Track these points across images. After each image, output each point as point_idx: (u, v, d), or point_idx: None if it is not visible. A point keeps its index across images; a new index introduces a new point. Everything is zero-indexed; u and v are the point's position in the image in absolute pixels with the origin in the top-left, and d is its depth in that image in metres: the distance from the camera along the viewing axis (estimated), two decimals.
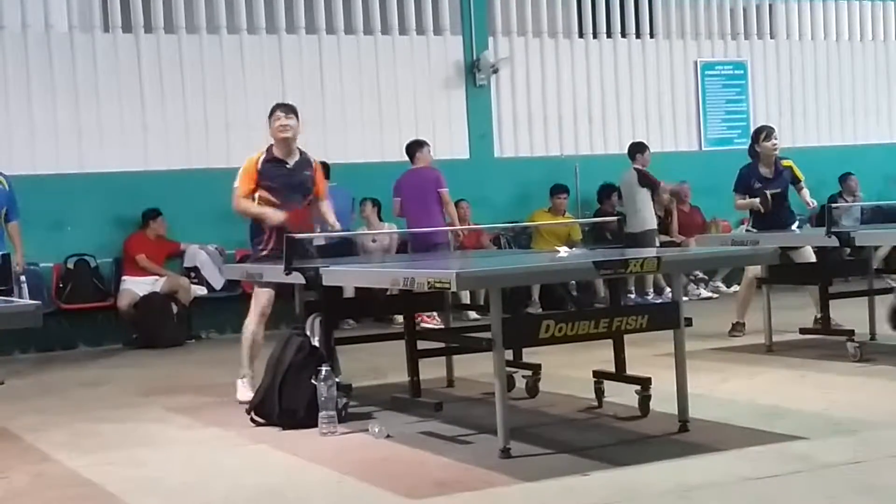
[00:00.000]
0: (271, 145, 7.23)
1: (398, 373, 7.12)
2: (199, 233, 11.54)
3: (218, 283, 11.35)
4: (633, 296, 12.43)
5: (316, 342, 6.45)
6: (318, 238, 8.48)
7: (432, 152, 11.12)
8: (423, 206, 10.67)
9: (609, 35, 13.87)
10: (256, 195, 7.15)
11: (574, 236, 12.35)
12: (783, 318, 8.74)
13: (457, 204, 12.24)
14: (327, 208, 7.47)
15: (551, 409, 6.58)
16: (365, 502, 4.81)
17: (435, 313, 10.15)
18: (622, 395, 6.38)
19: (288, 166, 7.20)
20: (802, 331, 8.49)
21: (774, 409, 5.96)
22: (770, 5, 14.85)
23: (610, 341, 6.28)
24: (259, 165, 7.16)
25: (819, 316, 8.40)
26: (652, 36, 14.09)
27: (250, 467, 5.52)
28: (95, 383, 8.69)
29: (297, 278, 6.36)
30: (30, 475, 5.54)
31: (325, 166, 11.61)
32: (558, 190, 12.64)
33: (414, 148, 11.01)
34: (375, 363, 8.27)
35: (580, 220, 12.72)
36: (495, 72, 12.94)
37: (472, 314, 10.39)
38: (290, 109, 7.21)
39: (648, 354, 7.02)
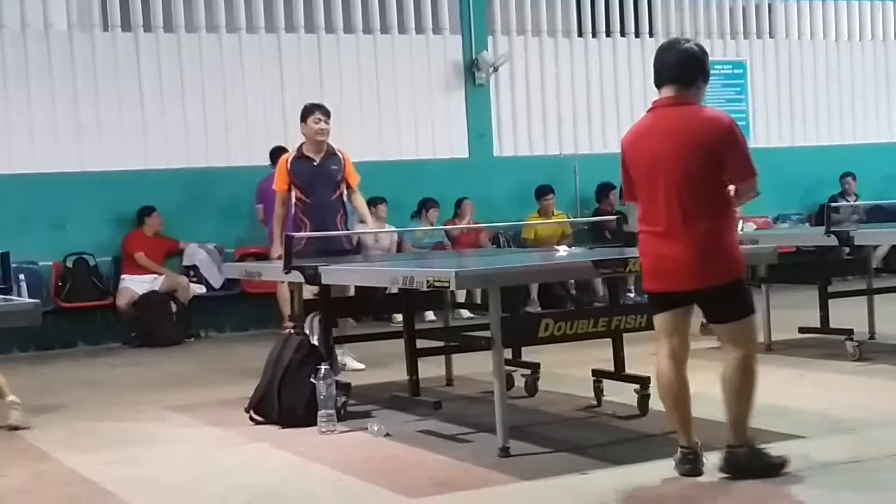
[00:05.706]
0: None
1: (397, 371, 7.12)
2: (199, 231, 11.54)
3: (217, 281, 11.34)
4: (632, 295, 12.42)
5: (315, 341, 6.45)
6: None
7: (433, 151, 11.01)
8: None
9: (608, 34, 13.86)
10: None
11: (565, 231, 12.38)
12: (782, 317, 8.74)
13: (460, 202, 12.26)
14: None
15: (550, 408, 6.58)
16: (364, 501, 4.82)
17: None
18: (621, 394, 6.38)
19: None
20: (801, 330, 8.49)
21: (773, 408, 5.95)
22: (769, 5, 14.84)
23: (609, 340, 6.29)
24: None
25: None
26: (651, 35, 14.08)
27: (249, 466, 5.52)
28: (94, 382, 8.69)
29: (296, 277, 6.37)
30: (29, 473, 5.54)
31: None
32: (544, 191, 12.62)
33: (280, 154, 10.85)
34: (374, 361, 8.27)
35: (575, 219, 12.74)
36: (495, 71, 12.94)
37: (465, 313, 10.39)
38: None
39: (647, 353, 6.98)
